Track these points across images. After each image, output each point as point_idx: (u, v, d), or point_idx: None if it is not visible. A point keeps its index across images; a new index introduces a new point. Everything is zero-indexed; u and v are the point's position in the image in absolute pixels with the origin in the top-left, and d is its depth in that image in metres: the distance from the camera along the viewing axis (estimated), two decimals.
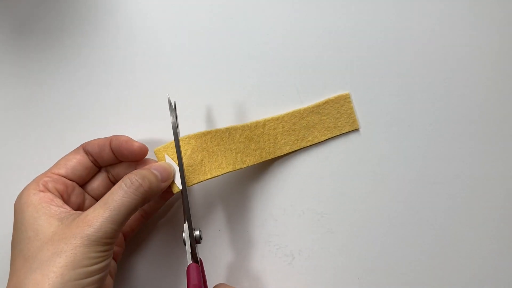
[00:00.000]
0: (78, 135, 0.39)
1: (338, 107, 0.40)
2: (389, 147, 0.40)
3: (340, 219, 0.39)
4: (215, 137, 0.36)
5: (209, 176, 0.35)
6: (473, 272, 0.39)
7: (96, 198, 0.35)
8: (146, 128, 0.39)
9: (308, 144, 0.40)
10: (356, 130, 0.40)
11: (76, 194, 0.34)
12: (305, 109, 0.40)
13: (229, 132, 0.37)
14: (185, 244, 0.33)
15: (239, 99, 0.40)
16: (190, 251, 0.33)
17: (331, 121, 0.40)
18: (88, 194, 0.35)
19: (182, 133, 0.37)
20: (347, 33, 0.41)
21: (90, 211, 0.29)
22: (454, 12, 0.41)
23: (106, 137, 0.35)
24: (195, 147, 0.35)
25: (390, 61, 0.41)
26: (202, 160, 0.36)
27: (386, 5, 0.41)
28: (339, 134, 0.40)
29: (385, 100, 0.40)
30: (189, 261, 0.33)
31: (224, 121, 0.40)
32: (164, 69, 0.40)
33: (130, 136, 0.34)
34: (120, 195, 0.30)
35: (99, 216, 0.28)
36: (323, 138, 0.40)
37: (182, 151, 0.35)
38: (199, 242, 0.34)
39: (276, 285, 0.38)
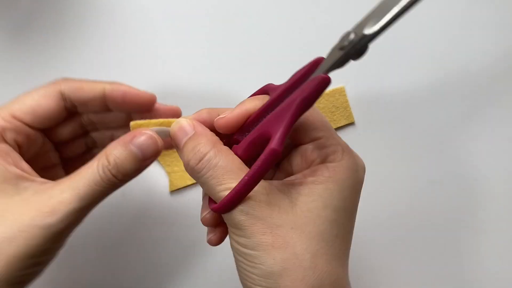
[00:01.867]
0: None
1: (333, 101, 0.40)
2: (385, 141, 0.40)
3: None
4: None
5: (192, 182, 0.38)
6: (473, 272, 0.39)
7: (62, 153, 0.30)
8: None
9: None
10: (352, 123, 0.40)
11: (38, 148, 0.28)
12: None
13: None
14: None
15: (237, 97, 0.40)
16: None
17: (326, 115, 0.40)
18: (52, 143, 0.30)
19: None
20: (344, 27, 0.40)
21: (55, 193, 0.24)
22: (452, 7, 0.41)
23: (91, 82, 0.28)
24: None
25: (387, 55, 0.40)
26: None
27: None
28: (334, 128, 0.40)
29: (380, 93, 0.40)
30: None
31: None
32: (164, 69, 0.40)
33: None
34: (93, 183, 0.25)
35: (66, 204, 0.24)
36: None
37: (169, 159, 0.36)
38: None
39: None
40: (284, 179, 0.26)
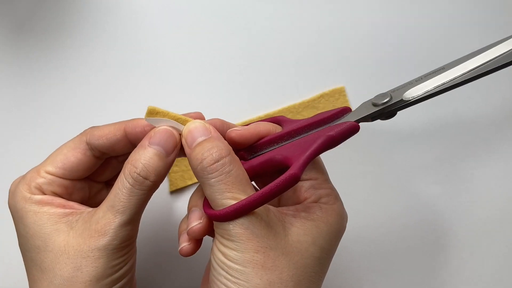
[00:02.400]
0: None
1: (333, 101, 0.40)
2: (386, 141, 0.40)
3: None
4: None
5: (192, 182, 0.38)
6: (474, 273, 0.39)
7: (103, 183, 0.32)
8: None
9: None
10: None
11: (79, 188, 0.30)
12: (300, 104, 0.40)
13: None
14: None
15: (239, 98, 0.40)
16: None
17: None
18: (93, 181, 0.31)
19: None
20: (344, 28, 0.40)
21: (99, 216, 0.26)
22: (452, 8, 0.41)
23: (113, 125, 0.29)
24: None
25: (387, 55, 0.40)
26: (187, 166, 0.38)
27: (383, 2, 0.41)
28: None
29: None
30: None
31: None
32: (163, 68, 0.40)
33: None
34: (127, 195, 0.26)
35: (111, 223, 0.26)
36: None
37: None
38: None
39: None
40: (278, 207, 0.27)
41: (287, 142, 0.27)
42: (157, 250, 0.39)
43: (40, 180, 0.28)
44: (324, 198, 0.27)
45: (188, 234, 0.27)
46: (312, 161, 0.25)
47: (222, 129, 0.28)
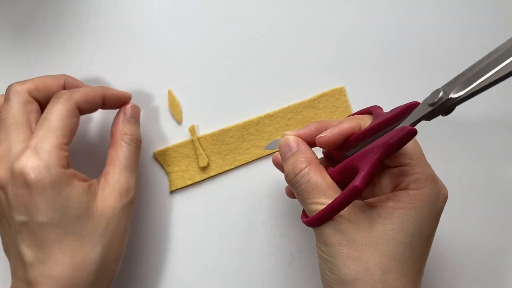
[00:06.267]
0: (77, 134, 0.39)
1: (333, 101, 0.40)
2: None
3: None
4: (203, 143, 0.39)
5: (192, 182, 0.39)
6: (474, 273, 0.39)
7: None
8: (146, 128, 0.39)
9: None
10: None
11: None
12: (300, 104, 0.40)
13: (219, 134, 0.39)
14: None
15: (238, 98, 0.40)
16: None
17: (326, 115, 0.40)
18: None
19: (181, 135, 0.37)
20: (344, 29, 0.40)
21: (117, 178, 0.32)
22: (451, 8, 0.41)
23: (91, 90, 0.34)
24: (181, 154, 0.39)
25: (387, 55, 0.40)
26: (187, 166, 0.39)
27: (386, 2, 0.41)
28: None
29: (380, 94, 0.40)
30: None
31: (223, 120, 0.40)
32: (163, 68, 0.40)
33: None
34: (136, 155, 0.34)
35: (131, 180, 0.33)
36: None
37: (169, 159, 0.39)
38: None
39: (276, 285, 0.39)
40: (367, 200, 0.29)
41: (370, 140, 0.29)
42: (157, 250, 0.39)
43: (65, 153, 0.30)
44: (412, 184, 0.28)
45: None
46: (404, 146, 0.26)
47: (317, 131, 0.31)
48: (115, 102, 0.35)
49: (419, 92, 0.39)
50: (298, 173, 0.29)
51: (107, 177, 0.32)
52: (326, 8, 0.41)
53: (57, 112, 0.31)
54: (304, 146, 0.30)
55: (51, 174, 0.29)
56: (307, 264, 0.39)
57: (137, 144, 0.34)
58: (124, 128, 0.34)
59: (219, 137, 0.39)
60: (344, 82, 0.40)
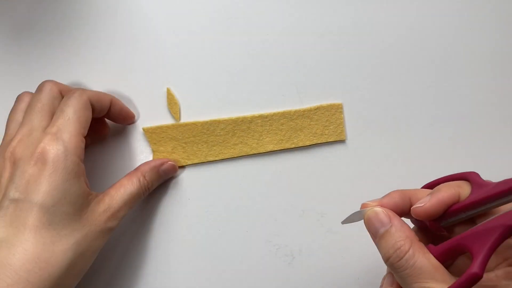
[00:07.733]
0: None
1: (328, 115, 0.40)
2: (376, 161, 0.40)
3: (340, 219, 0.39)
4: (193, 129, 0.39)
5: (178, 165, 0.39)
6: None
7: None
8: (143, 124, 0.40)
9: (292, 146, 0.40)
10: (342, 141, 0.40)
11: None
12: (295, 112, 0.40)
13: (210, 124, 0.39)
14: None
15: (237, 98, 0.41)
16: None
17: (318, 128, 0.40)
18: None
19: None
20: (348, 34, 0.41)
21: (113, 204, 0.34)
22: (449, 22, 0.41)
23: (101, 91, 0.36)
24: (169, 136, 0.39)
25: (390, 78, 0.41)
26: (173, 149, 0.39)
27: (388, 4, 0.41)
28: (325, 141, 0.40)
29: (379, 116, 0.40)
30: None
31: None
32: (163, 68, 0.41)
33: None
34: (138, 196, 0.36)
35: (121, 211, 0.34)
36: (308, 143, 0.40)
37: (155, 140, 0.39)
38: None
39: (276, 285, 0.39)
40: (488, 274, 0.27)
41: (472, 212, 0.27)
42: (157, 250, 0.39)
43: (82, 145, 0.32)
44: None
45: None
46: None
47: (402, 202, 0.28)
48: (118, 111, 0.37)
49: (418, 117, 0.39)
50: (402, 258, 0.26)
51: (107, 198, 0.34)
52: (334, 13, 0.41)
53: (73, 104, 0.32)
54: (398, 221, 0.27)
55: (67, 160, 0.31)
56: (307, 264, 0.39)
57: (147, 191, 0.36)
58: (149, 173, 0.36)
59: (210, 127, 0.40)
60: (343, 100, 0.40)
